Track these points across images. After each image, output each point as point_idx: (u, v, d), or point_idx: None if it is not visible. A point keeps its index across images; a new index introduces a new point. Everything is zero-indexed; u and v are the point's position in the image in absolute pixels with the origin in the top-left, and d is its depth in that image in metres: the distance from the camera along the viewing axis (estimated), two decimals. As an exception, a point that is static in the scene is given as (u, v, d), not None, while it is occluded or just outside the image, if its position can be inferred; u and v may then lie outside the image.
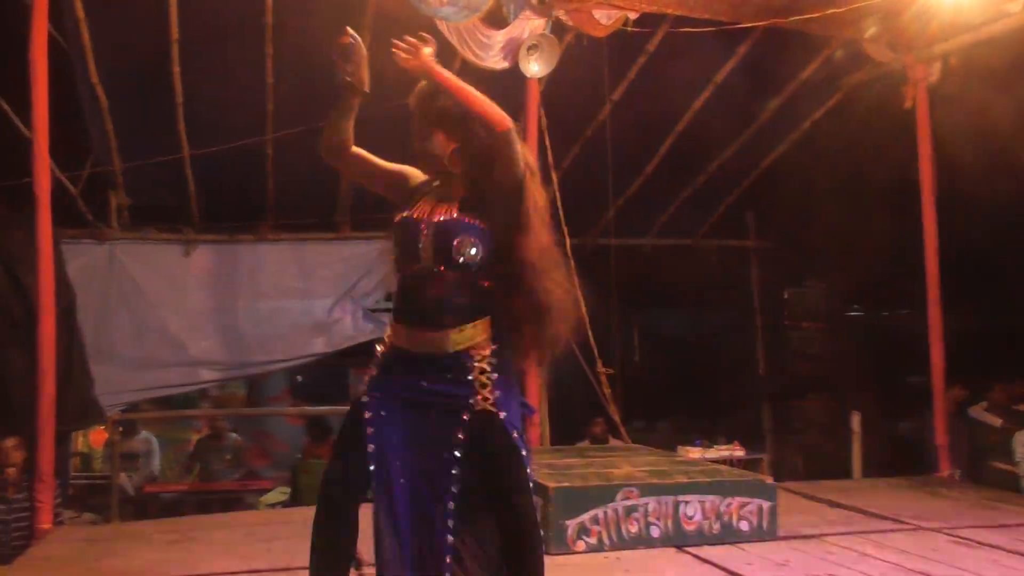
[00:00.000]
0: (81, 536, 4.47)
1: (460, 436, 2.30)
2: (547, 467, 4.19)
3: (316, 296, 6.75)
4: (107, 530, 5.22)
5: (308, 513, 2.42)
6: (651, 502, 3.71)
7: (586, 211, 7.19)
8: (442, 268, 2.36)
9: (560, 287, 2.42)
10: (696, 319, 8.49)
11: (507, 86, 5.68)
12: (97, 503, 6.58)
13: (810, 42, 6.06)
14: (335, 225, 6.91)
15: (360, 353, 8.36)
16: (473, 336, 2.36)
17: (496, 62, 5.35)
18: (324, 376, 8.97)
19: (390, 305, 7.41)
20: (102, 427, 7.25)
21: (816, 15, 5.15)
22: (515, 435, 2.33)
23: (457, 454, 2.29)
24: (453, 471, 2.28)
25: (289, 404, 8.95)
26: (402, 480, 2.31)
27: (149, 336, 6.44)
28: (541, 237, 2.40)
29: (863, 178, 6.56)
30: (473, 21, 5.11)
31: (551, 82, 5.78)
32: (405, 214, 2.44)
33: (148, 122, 6.01)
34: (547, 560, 3.51)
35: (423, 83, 2.50)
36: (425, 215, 2.41)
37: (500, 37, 5.29)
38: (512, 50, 5.34)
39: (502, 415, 2.32)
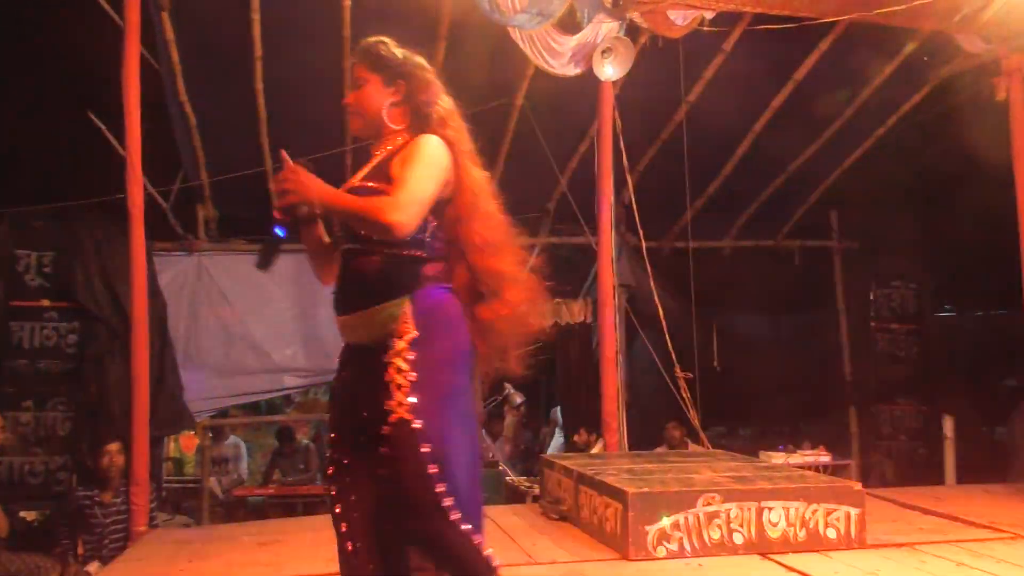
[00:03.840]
0: (174, 538, 4.64)
1: (382, 450, 2.03)
2: (626, 472, 4.15)
3: (394, 303, 6.85)
4: (199, 532, 5.41)
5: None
6: (733, 508, 3.63)
7: (663, 214, 7.12)
8: (349, 243, 2.15)
9: (512, 265, 2.20)
10: (778, 322, 8.29)
11: (581, 90, 5.68)
12: (189, 506, 6.84)
13: (895, 35, 5.85)
14: (411, 233, 7.00)
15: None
16: (390, 320, 2.07)
17: (568, 69, 5.35)
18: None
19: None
20: (192, 432, 7.54)
21: (902, 7, 4.96)
22: (425, 449, 1.99)
23: (381, 472, 2.04)
24: (379, 494, 2.07)
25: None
26: (343, 505, 2.14)
27: (235, 344, 6.66)
28: (484, 220, 2.19)
29: (953, 174, 6.30)
30: (545, 27, 5.12)
31: (626, 85, 5.74)
32: None
33: (233, 138, 6.24)
34: (628, 566, 3.52)
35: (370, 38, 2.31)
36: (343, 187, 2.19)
37: (573, 42, 5.29)
38: (585, 55, 5.33)
39: (416, 424, 2.00)
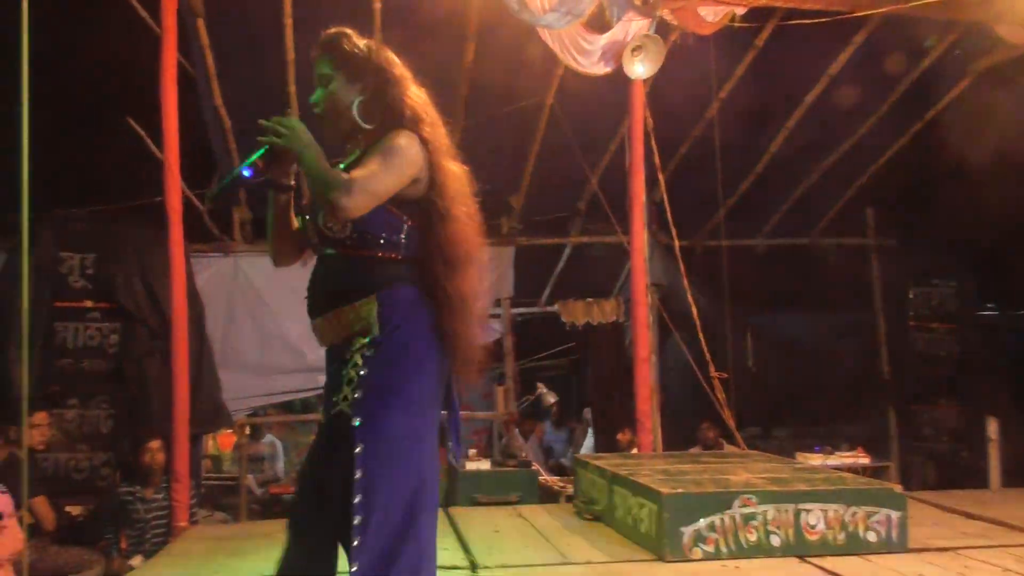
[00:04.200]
0: (214, 534, 4.71)
1: (320, 445, 2.07)
2: (660, 473, 4.12)
3: (425, 303, 6.89)
4: (237, 529, 5.49)
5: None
6: (770, 510, 3.59)
7: (695, 212, 7.07)
8: (322, 246, 2.10)
9: (469, 282, 2.09)
10: (813, 321, 8.18)
11: (611, 89, 5.67)
12: (227, 503, 6.94)
13: (932, 27, 5.74)
14: (444, 233, 7.03)
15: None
16: (356, 320, 2.01)
17: (598, 67, 5.33)
18: (436, 381, 9.16)
19: (499, 311, 7.49)
20: (230, 430, 7.66)
21: (939, -2, 4.87)
22: (357, 450, 1.89)
23: (306, 468, 2.07)
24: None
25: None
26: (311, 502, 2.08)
27: (271, 343, 6.75)
28: (455, 227, 2.08)
29: (994, 168, 6.15)
30: (575, 26, 5.11)
31: (656, 83, 5.71)
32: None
33: (267, 140, 6.31)
34: (664, 567, 3.49)
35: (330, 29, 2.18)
36: None
37: (603, 41, 5.27)
38: (615, 53, 5.31)
39: (355, 421, 1.92)
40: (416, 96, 2.15)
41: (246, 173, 1.99)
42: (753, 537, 3.57)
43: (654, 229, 6.70)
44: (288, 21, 5.39)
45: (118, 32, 5.21)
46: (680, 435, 6.51)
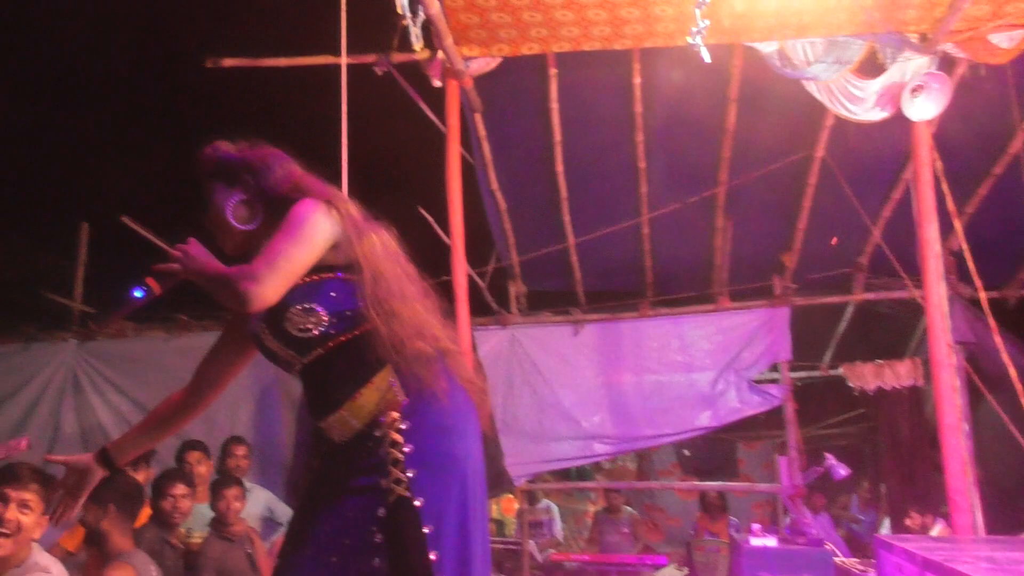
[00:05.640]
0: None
1: (377, 539, 1.80)
2: (986, 560, 3.59)
3: (698, 369, 6.76)
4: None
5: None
6: None
7: (1004, 259, 6.26)
8: (302, 354, 1.95)
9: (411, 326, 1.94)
10: None
11: (889, 133, 5.28)
12: (510, 567, 7.18)
13: None
14: (712, 297, 6.91)
15: (748, 427, 8.15)
16: (375, 398, 1.88)
17: (873, 113, 5.00)
18: (712, 449, 8.90)
19: (777, 376, 7.11)
20: (511, 496, 7.98)
21: None
22: (428, 529, 1.78)
23: (376, 563, 1.78)
24: None
25: (678, 478, 8.99)
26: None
27: (547, 411, 6.97)
28: (387, 280, 1.98)
29: None
30: (843, 73, 4.87)
31: (943, 121, 5.22)
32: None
33: (539, 218, 6.70)
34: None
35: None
36: None
37: (877, 85, 4.94)
38: (892, 96, 4.95)
39: (417, 502, 1.79)
40: (309, 176, 2.06)
41: (139, 294, 1.95)
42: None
43: (952, 281, 6.03)
44: (554, 106, 5.73)
45: (406, 131, 5.88)
46: (1004, 518, 5.65)
